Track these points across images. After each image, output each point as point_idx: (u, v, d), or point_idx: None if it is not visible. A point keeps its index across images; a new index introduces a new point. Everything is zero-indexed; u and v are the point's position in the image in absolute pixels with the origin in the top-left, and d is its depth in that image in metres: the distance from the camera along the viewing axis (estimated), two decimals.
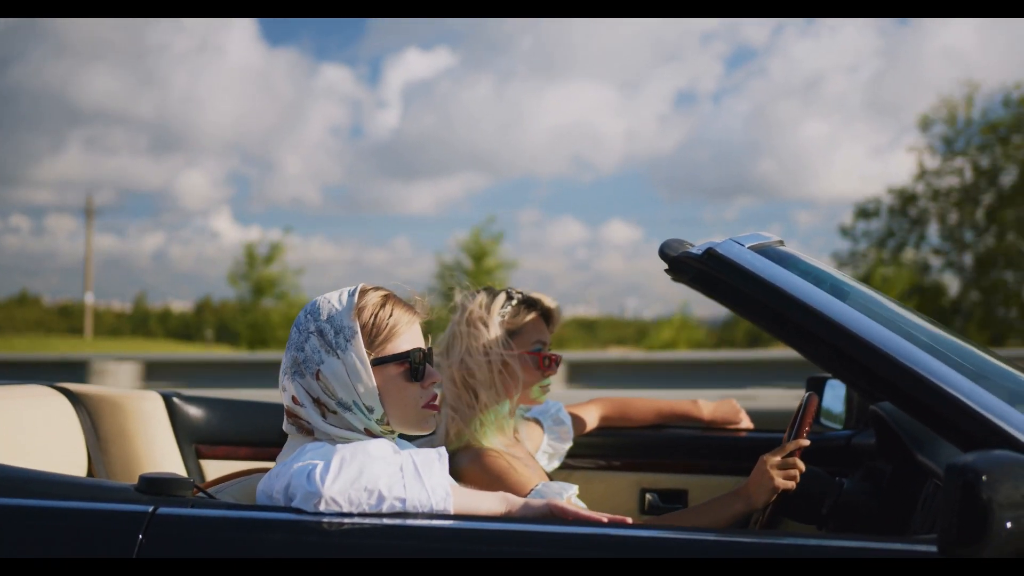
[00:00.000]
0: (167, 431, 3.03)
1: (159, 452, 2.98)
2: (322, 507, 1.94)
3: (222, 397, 3.24)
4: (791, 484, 2.50)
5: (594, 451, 3.26)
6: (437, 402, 2.24)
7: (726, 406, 3.31)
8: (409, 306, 2.27)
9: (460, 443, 2.74)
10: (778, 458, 2.51)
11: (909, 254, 30.57)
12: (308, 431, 2.17)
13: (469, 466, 2.69)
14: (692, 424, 3.31)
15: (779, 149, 50.16)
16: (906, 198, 30.24)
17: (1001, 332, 28.03)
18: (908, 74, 49.47)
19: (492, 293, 2.84)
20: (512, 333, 2.80)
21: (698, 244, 2.18)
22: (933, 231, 30.37)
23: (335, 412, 2.16)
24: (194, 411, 3.10)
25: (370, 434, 2.20)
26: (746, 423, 3.32)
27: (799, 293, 2.00)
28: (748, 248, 2.09)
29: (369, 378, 2.16)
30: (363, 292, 2.24)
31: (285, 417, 2.19)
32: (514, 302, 2.83)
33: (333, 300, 2.22)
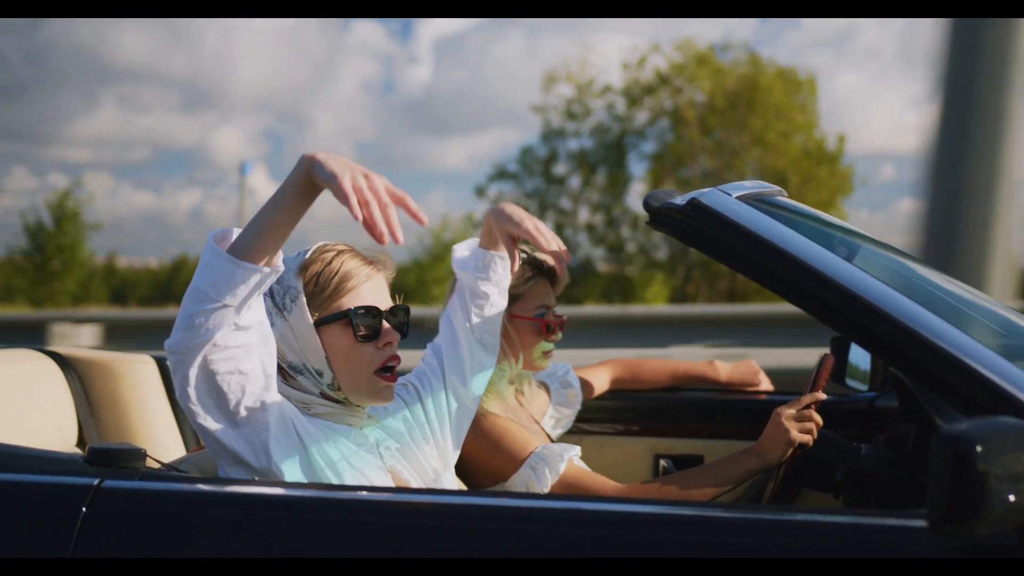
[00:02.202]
0: (161, 396, 2.94)
1: (153, 418, 2.89)
2: (171, 348, 1.88)
3: None
4: (808, 438, 2.37)
5: (606, 415, 3.13)
6: (395, 365, 2.12)
7: (744, 367, 3.17)
8: (370, 260, 2.14)
9: None
10: (793, 410, 2.38)
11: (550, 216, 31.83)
12: None
13: (468, 431, 2.58)
14: (708, 386, 3.17)
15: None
16: (537, 160, 31.03)
17: (623, 290, 29.14)
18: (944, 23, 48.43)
19: None
20: (515, 297, 2.66)
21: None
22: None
23: (292, 376, 2.06)
24: None
25: (327, 398, 2.09)
26: (765, 384, 3.17)
27: (785, 244, 1.84)
28: (736, 198, 1.94)
29: (314, 339, 2.04)
30: (319, 249, 2.13)
31: None
32: (517, 263, 2.69)
33: (288, 259, 2.11)
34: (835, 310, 1.79)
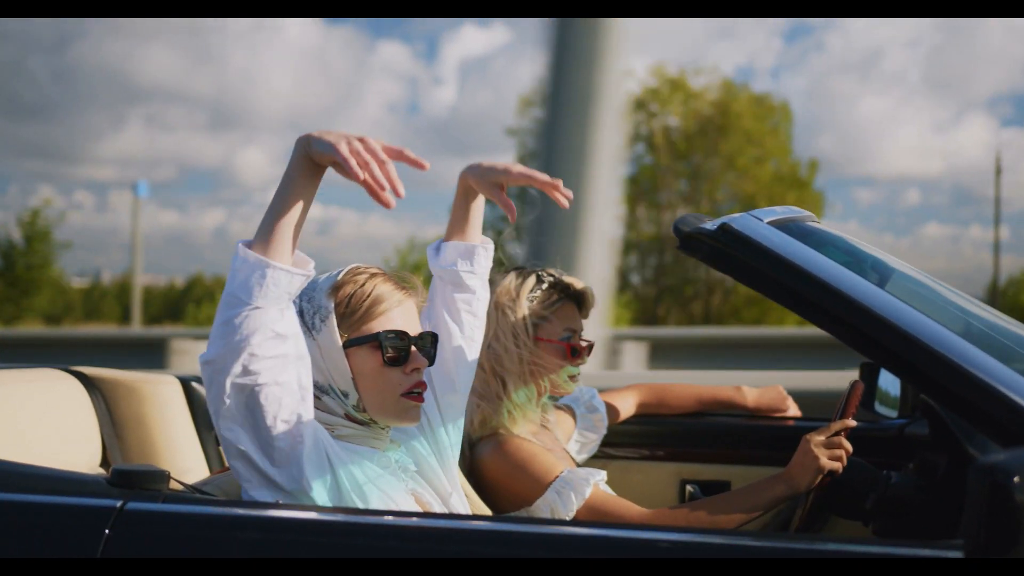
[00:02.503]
0: (185, 416, 2.92)
1: (177, 438, 2.88)
2: (207, 359, 1.88)
3: None
4: (837, 465, 2.34)
5: (632, 440, 3.11)
6: (422, 391, 2.10)
7: (772, 392, 3.14)
8: (402, 285, 2.13)
9: (485, 431, 2.60)
10: (822, 437, 2.35)
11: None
12: None
13: (492, 454, 2.56)
14: (736, 412, 3.14)
15: (838, 125, 49.68)
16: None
17: None
18: (970, 48, 48.75)
19: (522, 275, 2.69)
20: (540, 319, 2.64)
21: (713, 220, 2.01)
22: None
23: (318, 397, 2.04)
24: None
25: (351, 420, 2.08)
26: (793, 410, 3.14)
27: (818, 271, 1.82)
28: (767, 223, 1.91)
29: (342, 360, 2.03)
30: (352, 271, 2.12)
31: None
32: (544, 285, 2.68)
33: (320, 279, 2.10)
34: (867, 336, 1.77)
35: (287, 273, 1.86)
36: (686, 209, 29.63)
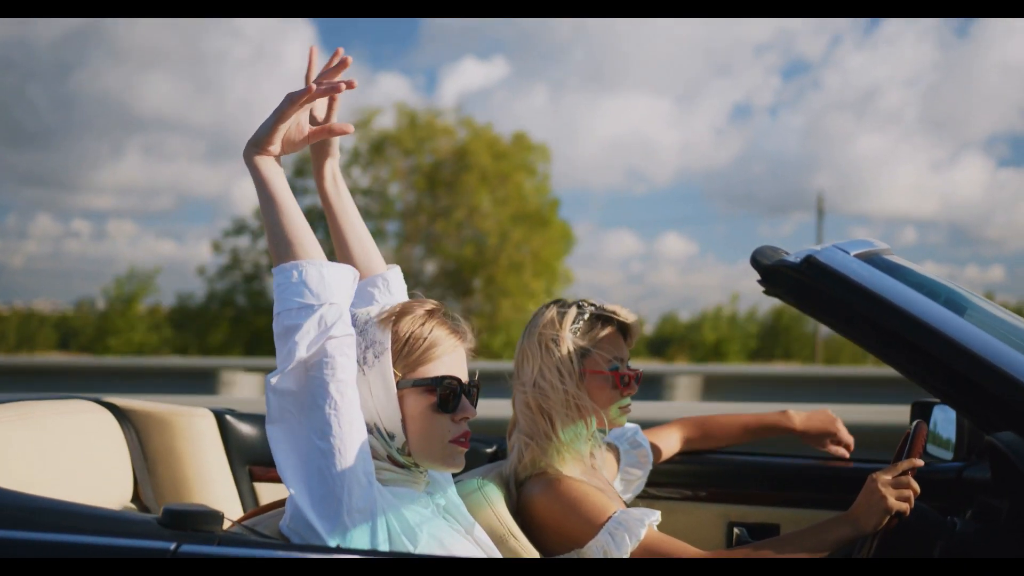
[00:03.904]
0: (219, 451, 2.84)
1: (210, 474, 2.80)
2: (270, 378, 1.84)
3: None
4: (905, 506, 2.25)
5: (676, 479, 3.01)
6: (467, 439, 2.05)
7: (820, 415, 3.00)
8: (456, 328, 2.06)
9: (534, 470, 2.51)
10: (890, 476, 2.26)
11: None
12: None
13: (542, 494, 2.47)
14: (783, 436, 3.02)
15: (835, 163, 50.17)
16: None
17: None
18: (967, 88, 49.34)
19: (563, 307, 2.60)
20: (585, 351, 2.55)
21: (795, 252, 1.92)
22: None
23: None
24: (248, 430, 2.91)
25: (393, 462, 2.01)
26: (843, 434, 3.01)
27: (914, 308, 1.73)
28: (854, 256, 1.83)
29: (392, 401, 1.95)
30: (406, 307, 2.04)
31: None
32: (586, 316, 2.58)
33: (373, 310, 2.02)
34: (967, 379, 1.68)
35: (338, 268, 1.88)
36: (445, 244, 30.14)
